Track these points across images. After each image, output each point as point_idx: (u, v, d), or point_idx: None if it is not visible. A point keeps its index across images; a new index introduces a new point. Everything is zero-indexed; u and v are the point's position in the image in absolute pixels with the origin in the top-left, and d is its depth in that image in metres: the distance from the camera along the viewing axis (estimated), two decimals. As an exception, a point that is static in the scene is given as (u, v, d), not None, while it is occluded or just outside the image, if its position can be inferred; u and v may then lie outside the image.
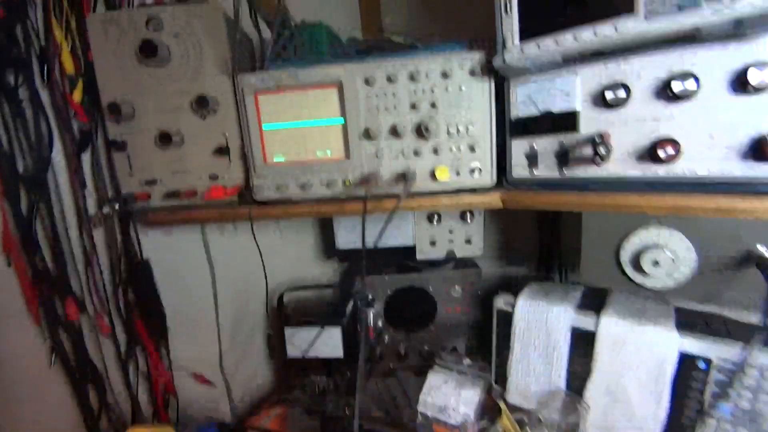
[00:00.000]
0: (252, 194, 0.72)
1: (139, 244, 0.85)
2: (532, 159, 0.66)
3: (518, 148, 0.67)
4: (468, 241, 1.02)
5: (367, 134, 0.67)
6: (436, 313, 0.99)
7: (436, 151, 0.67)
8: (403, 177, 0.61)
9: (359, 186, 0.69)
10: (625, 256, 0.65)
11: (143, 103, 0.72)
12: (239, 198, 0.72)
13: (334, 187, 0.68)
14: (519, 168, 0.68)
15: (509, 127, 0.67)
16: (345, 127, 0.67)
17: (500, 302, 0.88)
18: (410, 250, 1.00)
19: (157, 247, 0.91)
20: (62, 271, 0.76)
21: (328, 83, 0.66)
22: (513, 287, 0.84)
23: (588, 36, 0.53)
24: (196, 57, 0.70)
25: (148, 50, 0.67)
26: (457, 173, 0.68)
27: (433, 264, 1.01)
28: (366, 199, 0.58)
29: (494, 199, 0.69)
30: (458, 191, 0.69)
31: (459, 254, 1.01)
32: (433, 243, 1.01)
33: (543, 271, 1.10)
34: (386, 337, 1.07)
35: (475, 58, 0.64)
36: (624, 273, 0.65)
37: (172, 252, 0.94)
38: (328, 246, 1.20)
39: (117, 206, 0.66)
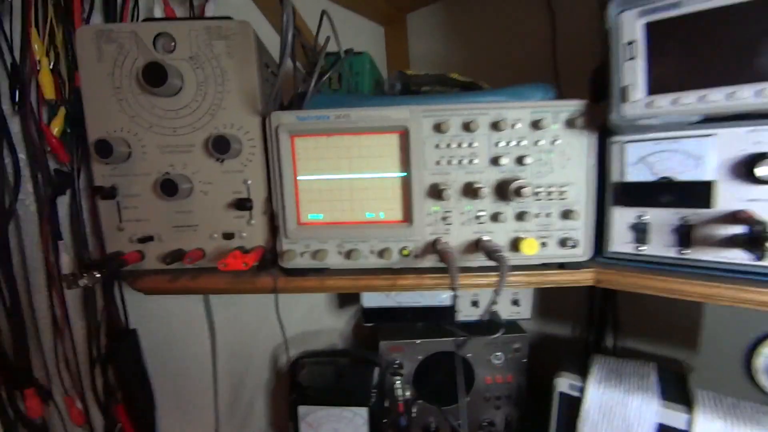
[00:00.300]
0: (279, 260, 0.55)
1: (125, 310, 0.66)
2: (640, 233, 0.52)
3: (622, 218, 0.52)
4: (515, 303, 0.88)
5: (434, 193, 0.51)
6: (474, 383, 0.85)
7: (520, 217, 0.52)
8: (496, 260, 0.45)
9: (420, 257, 0.53)
10: (760, 362, 0.50)
11: (143, 140, 0.55)
12: (261, 263, 0.55)
13: (388, 257, 0.52)
14: (620, 242, 0.53)
15: (612, 193, 0.52)
16: (407, 183, 0.52)
17: (564, 385, 0.73)
18: (446, 311, 0.85)
19: (145, 310, 0.73)
20: (22, 352, 0.57)
21: (389, 128, 0.50)
22: (558, 351, 0.75)
23: (749, 96, 0.39)
24: (217, 87, 0.54)
25: (155, 76, 0.50)
26: (543, 244, 0.53)
27: (467, 326, 0.85)
28: (456, 289, 0.41)
29: (586, 278, 0.54)
30: (544, 266, 0.54)
31: (505, 316, 0.87)
32: (474, 303, 0.87)
33: (592, 334, 0.96)
34: (414, 409, 0.90)
35: (574, 106, 0.50)
36: (755, 382, 0.51)
37: (162, 315, 0.76)
38: (342, 294, 1.04)
39: (98, 275, 0.48)
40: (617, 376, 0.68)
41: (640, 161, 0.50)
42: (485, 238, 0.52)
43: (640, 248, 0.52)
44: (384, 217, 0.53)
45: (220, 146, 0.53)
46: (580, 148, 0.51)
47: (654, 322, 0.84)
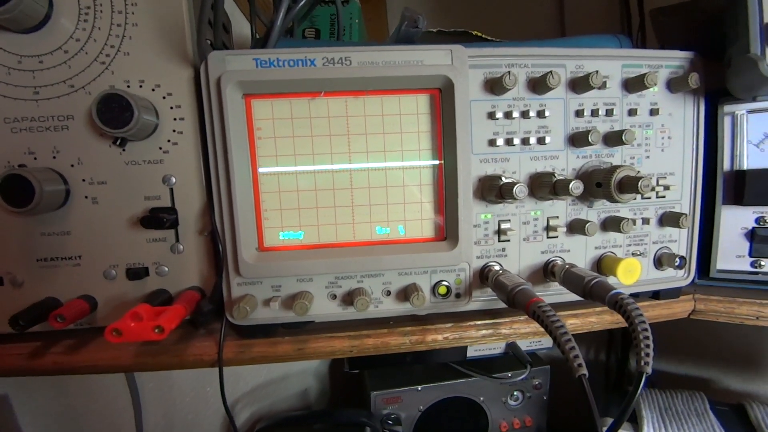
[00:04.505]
0: (227, 312, 0.30)
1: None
2: (763, 243, 0.34)
3: (734, 222, 0.35)
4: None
5: (486, 191, 0.30)
6: (488, 431, 0.67)
7: (605, 226, 0.32)
8: (623, 313, 0.23)
9: (464, 297, 0.31)
10: None
11: None
12: (194, 318, 0.30)
13: (416, 299, 0.29)
14: (730, 256, 0.35)
15: (723, 187, 0.34)
16: (444, 177, 0.30)
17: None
18: (456, 347, 0.64)
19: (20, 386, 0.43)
20: None
21: (416, 84, 0.28)
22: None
23: None
24: (114, 15, 0.29)
25: None
26: (635, 266, 0.33)
27: (479, 363, 0.65)
28: (583, 375, 0.20)
29: (685, 309, 0.35)
30: (632, 296, 0.34)
31: (523, 347, 0.68)
32: (487, 336, 0.65)
33: (614, 354, 0.80)
34: (416, 469, 0.67)
35: (680, 59, 0.31)
36: None
37: (55, 384, 0.46)
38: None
39: None
40: (671, 417, 0.55)
41: (766, 140, 0.33)
42: (559, 261, 0.32)
43: (759, 264, 0.34)
44: (405, 233, 0.30)
45: (117, 115, 0.28)
46: (684, 121, 0.33)
47: (685, 340, 0.69)
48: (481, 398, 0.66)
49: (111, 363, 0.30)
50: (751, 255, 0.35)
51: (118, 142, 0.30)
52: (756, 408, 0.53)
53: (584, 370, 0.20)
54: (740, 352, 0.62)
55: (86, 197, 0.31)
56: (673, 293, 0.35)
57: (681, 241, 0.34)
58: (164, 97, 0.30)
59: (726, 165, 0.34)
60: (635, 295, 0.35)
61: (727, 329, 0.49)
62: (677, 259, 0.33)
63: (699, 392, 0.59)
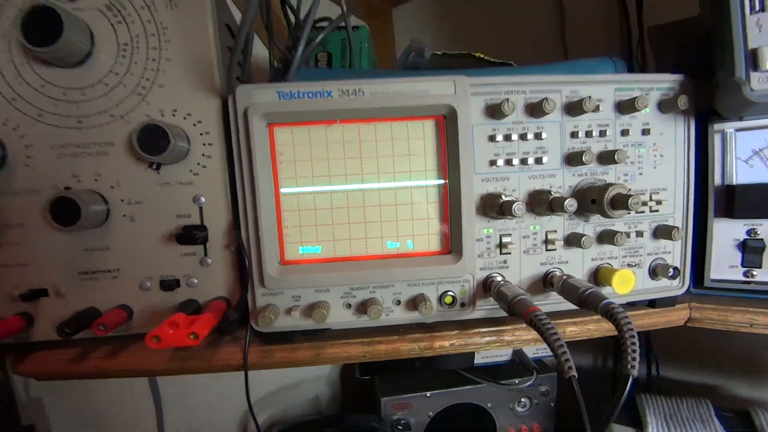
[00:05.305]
0: (252, 320, 0.33)
1: (12, 397, 0.41)
2: (753, 254, 0.36)
3: (726, 234, 0.37)
4: (539, 338, 0.69)
5: (488, 207, 0.33)
6: (495, 437, 0.66)
7: (601, 239, 0.34)
8: (615, 323, 0.26)
9: (468, 306, 0.33)
10: None
11: (27, 137, 0.33)
12: (220, 326, 0.33)
13: (425, 308, 0.32)
14: (723, 267, 0.37)
15: (714, 201, 0.37)
16: (448, 195, 0.32)
17: (620, 442, 0.56)
18: (463, 354, 0.66)
19: (55, 385, 0.46)
20: None
21: (423, 112, 0.31)
22: (584, 384, 0.58)
23: None
24: (150, 51, 0.33)
25: (43, 27, 0.29)
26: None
27: (487, 370, 0.66)
28: (573, 377, 0.22)
29: (680, 317, 0.38)
30: (628, 305, 0.37)
31: (529, 354, 0.69)
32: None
33: (621, 361, 0.80)
34: (425, 476, 0.68)
35: (670, 82, 0.34)
36: None
37: (83, 388, 0.49)
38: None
39: None
40: (676, 424, 0.56)
41: (754, 156, 0.35)
42: (557, 272, 0.34)
43: (751, 274, 0.36)
44: (414, 247, 0.33)
45: (155, 143, 0.31)
46: (675, 140, 0.35)
47: (690, 347, 0.70)
48: (489, 404, 0.67)
49: (146, 367, 0.33)
50: (743, 265, 0.37)
51: (153, 166, 0.33)
52: (761, 414, 0.54)
53: (574, 372, 0.22)
54: (745, 359, 0.63)
55: (124, 216, 0.34)
56: (669, 302, 0.37)
57: (675, 252, 0.37)
58: (194, 125, 0.34)
59: (717, 180, 0.37)
60: (632, 304, 0.38)
61: (732, 336, 0.51)
62: (671, 270, 0.35)
63: (704, 399, 0.59)
